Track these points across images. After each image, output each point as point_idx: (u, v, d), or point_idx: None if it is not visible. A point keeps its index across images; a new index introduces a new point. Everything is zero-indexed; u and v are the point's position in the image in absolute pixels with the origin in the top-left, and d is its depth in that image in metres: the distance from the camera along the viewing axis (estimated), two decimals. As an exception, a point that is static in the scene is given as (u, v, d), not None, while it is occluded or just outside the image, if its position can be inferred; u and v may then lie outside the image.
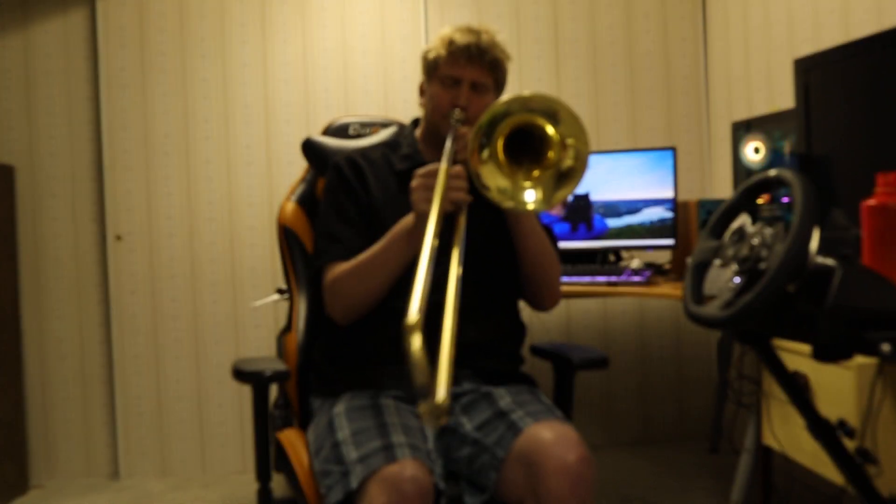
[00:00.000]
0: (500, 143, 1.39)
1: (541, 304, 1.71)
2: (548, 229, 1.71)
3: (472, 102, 1.59)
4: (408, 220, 1.49)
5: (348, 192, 1.63)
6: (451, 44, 1.59)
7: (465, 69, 1.59)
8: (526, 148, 1.42)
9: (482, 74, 1.60)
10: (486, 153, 1.38)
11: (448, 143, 1.50)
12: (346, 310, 1.56)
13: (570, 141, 1.38)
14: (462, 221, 1.38)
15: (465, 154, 1.41)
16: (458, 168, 1.42)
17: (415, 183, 1.44)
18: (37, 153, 3.02)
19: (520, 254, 1.61)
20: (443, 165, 1.40)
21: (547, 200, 1.40)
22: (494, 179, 1.39)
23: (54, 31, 3.02)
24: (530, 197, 1.40)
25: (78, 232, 3.04)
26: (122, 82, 3.03)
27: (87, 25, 3.03)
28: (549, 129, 1.39)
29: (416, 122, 1.77)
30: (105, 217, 3.01)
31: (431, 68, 1.64)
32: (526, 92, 1.38)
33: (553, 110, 1.37)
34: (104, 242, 3.03)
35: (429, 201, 1.36)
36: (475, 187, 1.40)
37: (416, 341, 1.00)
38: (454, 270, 1.21)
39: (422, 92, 1.70)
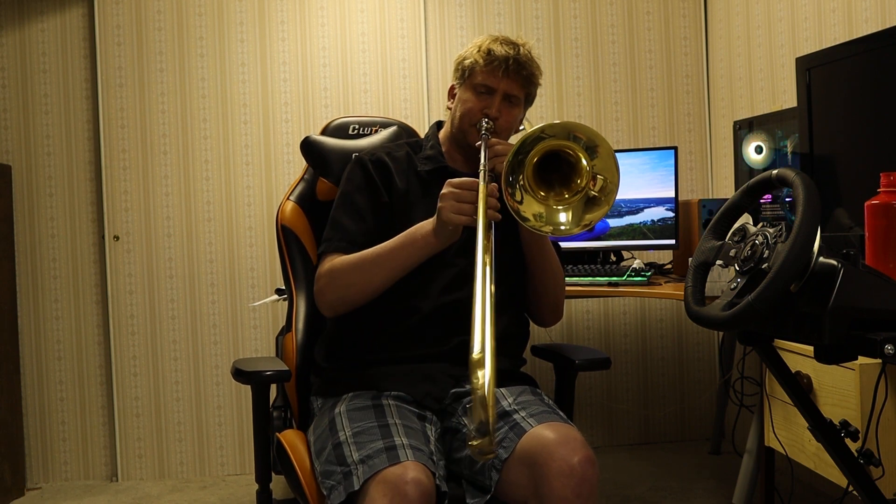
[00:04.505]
0: (531, 168, 1.39)
1: (544, 320, 1.72)
2: (554, 244, 1.71)
3: (502, 114, 1.61)
4: (425, 225, 1.49)
5: (367, 190, 1.63)
6: (489, 53, 1.60)
7: (501, 81, 1.60)
8: (555, 167, 1.42)
9: (516, 88, 1.62)
10: (518, 194, 1.39)
11: (482, 159, 1.49)
12: (339, 300, 1.56)
13: (599, 174, 1.39)
14: (491, 236, 1.38)
15: (497, 164, 1.46)
16: (493, 186, 1.43)
17: (445, 191, 1.43)
18: (34, 152, 3.01)
19: (531, 269, 1.63)
20: (482, 185, 1.40)
21: (577, 222, 1.41)
22: (530, 208, 1.41)
23: (51, 29, 3.01)
24: (563, 218, 1.42)
25: (75, 232, 3.03)
26: (120, 81, 3.01)
27: (84, 24, 3.02)
28: (582, 158, 1.39)
29: (439, 124, 1.77)
30: (103, 217, 3.00)
31: (466, 74, 1.64)
32: (557, 121, 1.40)
33: (594, 142, 1.38)
34: (102, 242, 3.02)
35: (459, 213, 1.40)
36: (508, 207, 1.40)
37: (481, 377, 1.07)
38: (486, 291, 1.23)
39: (451, 94, 1.70)
